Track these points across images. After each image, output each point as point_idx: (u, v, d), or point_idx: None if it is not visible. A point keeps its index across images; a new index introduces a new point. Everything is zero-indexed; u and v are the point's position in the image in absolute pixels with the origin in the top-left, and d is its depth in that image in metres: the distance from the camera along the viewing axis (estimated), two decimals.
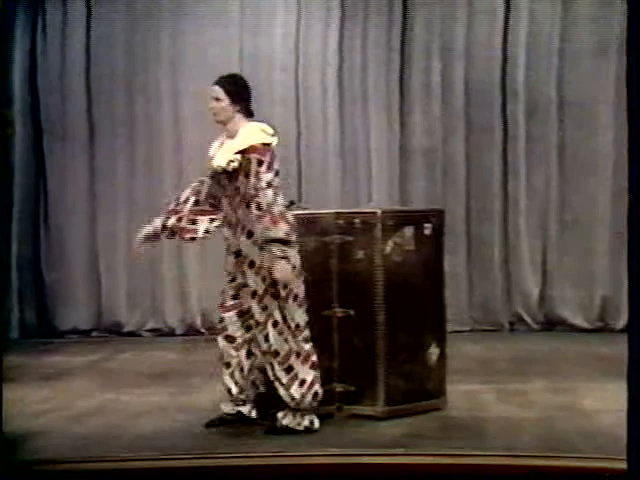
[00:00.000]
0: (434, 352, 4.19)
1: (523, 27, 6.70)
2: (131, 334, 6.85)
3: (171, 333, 6.89)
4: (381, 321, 4.03)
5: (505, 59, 6.73)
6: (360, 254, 4.05)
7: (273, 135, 3.84)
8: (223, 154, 3.85)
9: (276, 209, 3.70)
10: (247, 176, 3.76)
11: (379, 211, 4.12)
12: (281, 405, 3.83)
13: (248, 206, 3.75)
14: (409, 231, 4.11)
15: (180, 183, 6.98)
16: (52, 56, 6.91)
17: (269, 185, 3.72)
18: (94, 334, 6.90)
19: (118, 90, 6.91)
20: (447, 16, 6.75)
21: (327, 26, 6.84)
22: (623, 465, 2.98)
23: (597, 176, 6.69)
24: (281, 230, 3.67)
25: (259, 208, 3.71)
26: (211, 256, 6.69)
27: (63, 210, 6.93)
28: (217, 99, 3.87)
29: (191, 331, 6.88)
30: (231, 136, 3.88)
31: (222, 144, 3.92)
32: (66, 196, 6.94)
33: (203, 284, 6.83)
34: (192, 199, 3.99)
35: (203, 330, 6.87)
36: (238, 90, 3.88)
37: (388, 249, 4.07)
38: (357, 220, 4.08)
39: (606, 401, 4.34)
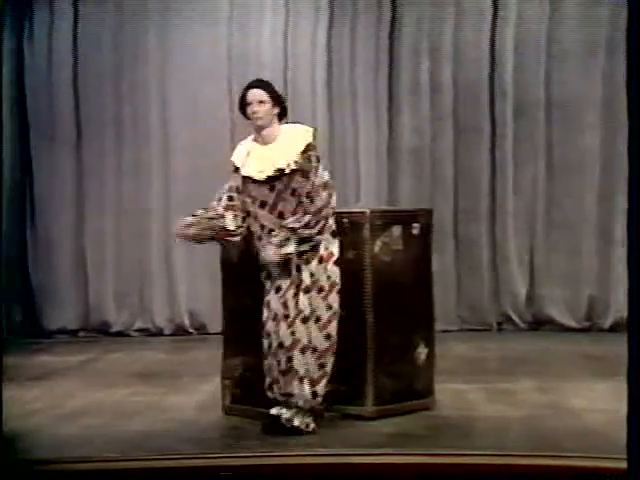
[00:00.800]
0: (423, 352, 4.20)
1: (511, 27, 6.72)
2: (119, 334, 6.83)
3: (159, 333, 6.87)
4: (370, 321, 4.04)
5: (493, 59, 6.75)
6: (349, 254, 4.05)
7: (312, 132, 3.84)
8: (268, 160, 3.78)
9: (325, 212, 3.73)
10: (305, 176, 3.75)
11: (367, 211, 4.13)
12: (286, 403, 3.78)
13: (298, 205, 3.74)
14: (397, 231, 4.12)
15: (167, 183, 7.02)
16: (39, 55, 6.88)
17: (326, 185, 3.77)
18: (82, 334, 6.88)
19: (106, 90, 6.88)
20: (435, 16, 6.76)
21: (316, 26, 6.83)
22: (618, 464, 2.99)
23: (584, 176, 6.72)
24: (312, 232, 3.70)
25: (310, 207, 3.73)
26: (200, 256, 6.69)
27: (50, 210, 6.91)
28: (261, 102, 3.80)
29: (180, 331, 6.87)
30: (267, 141, 3.82)
31: (249, 152, 3.86)
32: (53, 196, 6.91)
33: (192, 284, 6.82)
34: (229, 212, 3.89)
35: (192, 330, 6.86)
36: (278, 93, 3.88)
37: (376, 249, 4.07)
38: (345, 220, 4.08)
39: (594, 400, 4.37)
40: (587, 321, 6.72)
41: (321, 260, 3.79)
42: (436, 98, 6.79)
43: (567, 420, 3.98)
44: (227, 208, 3.89)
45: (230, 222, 3.87)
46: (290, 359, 3.74)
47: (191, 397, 4.60)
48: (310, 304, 3.76)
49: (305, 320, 3.76)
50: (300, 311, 3.75)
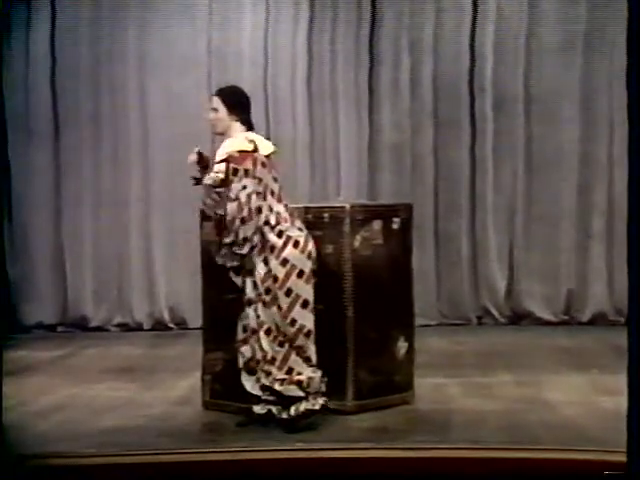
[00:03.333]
0: (402, 346, 4.21)
1: (490, 23, 6.75)
2: (98, 329, 6.79)
3: (139, 328, 6.83)
4: (350, 315, 4.04)
5: (473, 55, 6.77)
6: (329, 248, 4.05)
7: (250, 142, 3.82)
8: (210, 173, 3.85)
9: (236, 224, 3.72)
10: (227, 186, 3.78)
11: (348, 206, 4.12)
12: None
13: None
14: (377, 225, 4.12)
15: (147, 178, 6.98)
16: (16, 50, 6.81)
17: (235, 198, 3.74)
18: (60, 329, 6.83)
19: (84, 84, 6.83)
20: (416, 12, 6.77)
21: (296, 21, 6.82)
22: (595, 457, 3.02)
23: (563, 171, 6.76)
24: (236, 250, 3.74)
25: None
26: (179, 250, 6.66)
27: (27, 205, 6.84)
28: (214, 109, 3.88)
29: (159, 326, 6.84)
30: None
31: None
32: (31, 191, 6.85)
33: (172, 279, 6.79)
34: None
35: (171, 325, 6.84)
36: (236, 101, 3.90)
37: (357, 243, 4.07)
38: (326, 215, 4.08)
39: (571, 393, 4.40)
40: (565, 315, 6.77)
41: (273, 249, 3.78)
42: (416, 94, 6.80)
43: (544, 413, 4.00)
44: None
45: None
46: (259, 341, 3.77)
47: (170, 392, 4.58)
48: (268, 292, 3.76)
49: (267, 305, 3.77)
50: (259, 295, 3.78)
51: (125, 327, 6.84)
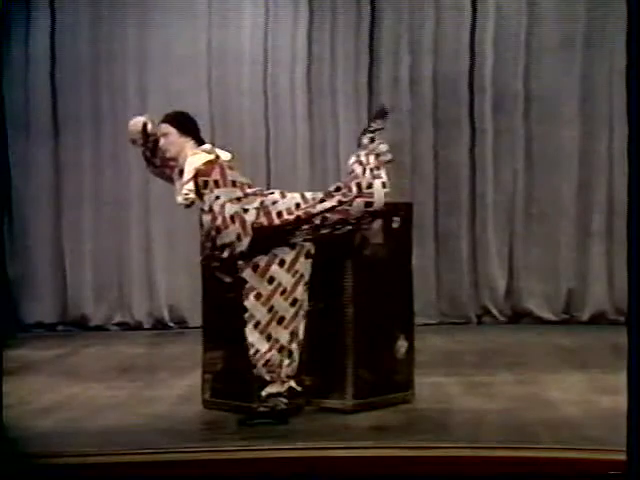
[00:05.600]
0: (402, 345, 4.21)
1: (490, 21, 6.75)
2: (98, 328, 6.79)
3: (139, 327, 6.84)
4: (350, 314, 4.04)
5: (473, 53, 6.78)
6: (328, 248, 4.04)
7: (210, 152, 3.87)
8: (179, 192, 3.89)
9: (210, 235, 3.78)
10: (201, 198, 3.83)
11: None
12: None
13: None
14: (377, 224, 4.12)
15: (147, 177, 6.96)
16: (16, 48, 6.81)
17: (210, 210, 3.79)
18: (59, 328, 6.84)
19: (83, 83, 6.83)
20: (415, 11, 6.77)
21: (296, 19, 6.82)
22: (594, 455, 3.02)
23: (563, 170, 6.77)
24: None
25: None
26: (179, 249, 6.66)
27: (27, 203, 6.85)
28: (165, 134, 3.91)
29: (159, 325, 6.84)
30: (182, 171, 3.91)
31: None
32: (31, 190, 6.85)
33: (171, 277, 6.80)
34: None
35: (171, 324, 6.84)
36: (185, 122, 3.94)
37: (356, 242, 4.07)
38: None
39: (571, 392, 4.40)
40: (565, 314, 6.77)
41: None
42: (416, 92, 6.80)
43: (544, 412, 4.00)
44: None
45: None
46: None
47: (170, 391, 4.58)
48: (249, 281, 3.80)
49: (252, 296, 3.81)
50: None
51: (125, 326, 6.85)
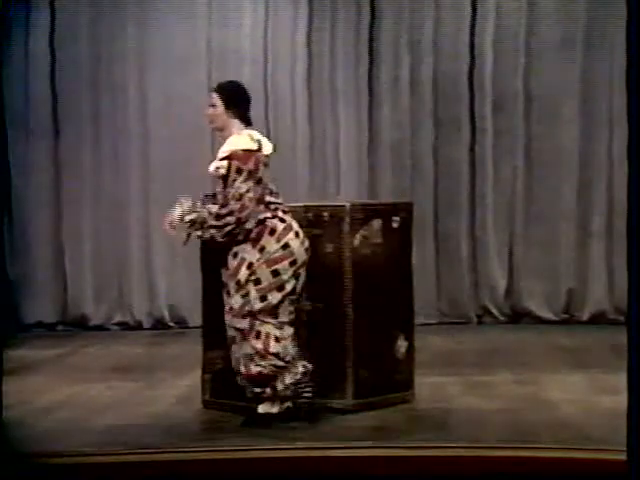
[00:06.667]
0: (402, 345, 4.21)
1: (490, 21, 6.75)
2: (98, 328, 6.79)
3: (138, 327, 6.84)
4: (350, 314, 4.04)
5: (472, 53, 6.77)
6: (329, 247, 4.05)
7: (253, 139, 3.83)
8: (215, 161, 3.86)
9: (228, 219, 3.74)
10: (224, 182, 3.78)
11: (347, 204, 4.12)
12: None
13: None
14: (377, 224, 4.12)
15: (147, 177, 6.98)
16: (16, 48, 6.81)
17: (240, 197, 3.73)
18: (59, 328, 6.84)
19: (83, 83, 6.83)
20: (415, 10, 6.77)
21: (296, 20, 6.82)
22: (595, 455, 3.01)
23: (562, 170, 6.76)
24: (214, 233, 3.74)
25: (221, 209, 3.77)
26: (180, 249, 6.64)
27: (27, 204, 6.85)
28: (212, 105, 3.89)
29: (159, 325, 6.84)
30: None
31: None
32: (31, 190, 6.85)
33: (171, 277, 6.80)
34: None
35: (171, 324, 6.84)
36: (234, 96, 3.90)
37: (356, 242, 4.07)
38: (325, 213, 4.08)
39: (571, 392, 4.40)
40: (565, 314, 6.77)
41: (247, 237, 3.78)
42: (416, 92, 6.80)
43: (544, 412, 4.00)
44: None
45: None
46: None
47: (170, 391, 4.59)
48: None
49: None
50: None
51: (125, 326, 6.85)
